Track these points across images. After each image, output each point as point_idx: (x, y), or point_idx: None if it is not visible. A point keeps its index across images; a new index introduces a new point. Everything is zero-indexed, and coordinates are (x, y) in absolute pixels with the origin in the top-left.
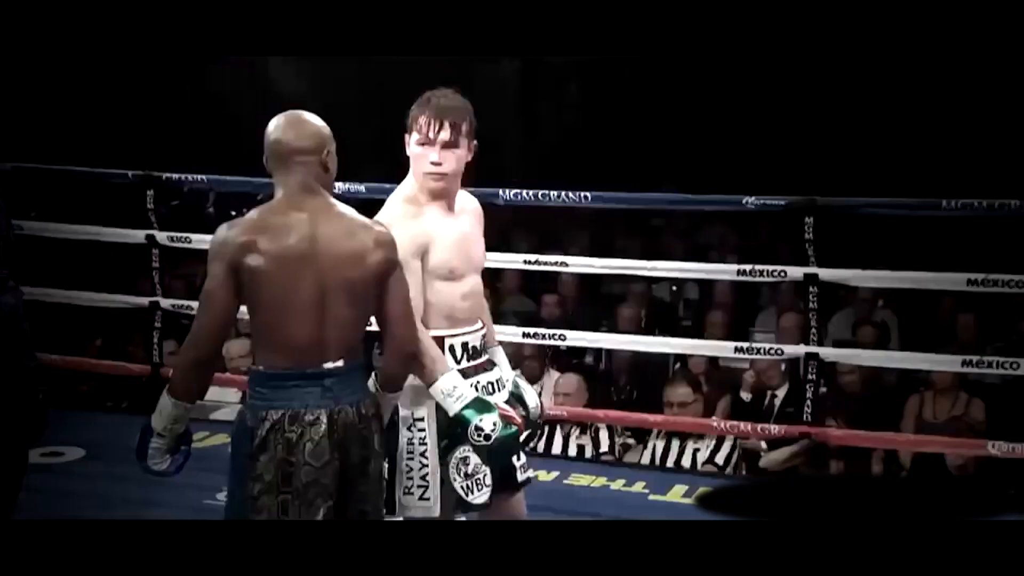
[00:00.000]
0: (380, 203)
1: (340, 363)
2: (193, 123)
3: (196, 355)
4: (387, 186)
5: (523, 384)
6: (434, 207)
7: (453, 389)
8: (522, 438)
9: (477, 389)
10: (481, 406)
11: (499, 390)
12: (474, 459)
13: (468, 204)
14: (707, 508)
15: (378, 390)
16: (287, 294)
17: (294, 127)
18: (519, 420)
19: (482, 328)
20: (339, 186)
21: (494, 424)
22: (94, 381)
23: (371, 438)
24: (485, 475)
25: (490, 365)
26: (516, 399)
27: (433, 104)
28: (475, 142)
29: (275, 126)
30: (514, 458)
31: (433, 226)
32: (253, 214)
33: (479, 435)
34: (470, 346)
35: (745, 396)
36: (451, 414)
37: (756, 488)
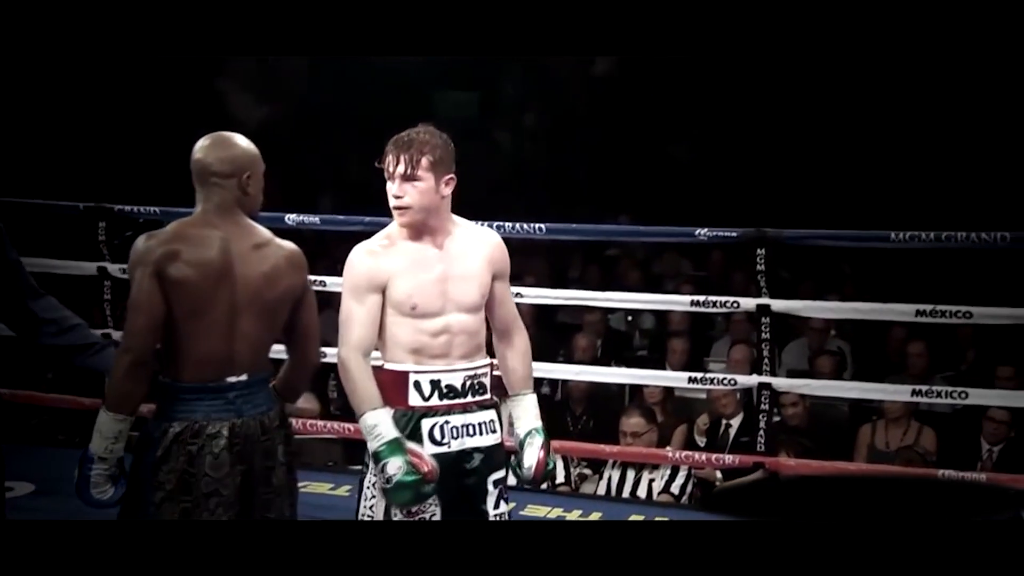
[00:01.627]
0: (335, 234)
1: (244, 377)
2: (148, 155)
3: (131, 358)
4: (340, 217)
5: (536, 440)
6: (410, 243)
7: (373, 427)
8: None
9: (443, 429)
10: (394, 447)
11: (482, 433)
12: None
13: (472, 241)
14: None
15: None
16: (202, 308)
17: (215, 149)
18: (428, 470)
19: (474, 369)
20: (292, 217)
21: (397, 468)
22: (45, 415)
23: (275, 449)
24: (432, 516)
25: (476, 407)
26: (520, 447)
27: (394, 140)
28: (451, 176)
29: (199, 146)
30: (490, 506)
31: (398, 262)
32: (171, 227)
33: (383, 476)
34: (443, 384)
35: (700, 440)
36: (370, 451)
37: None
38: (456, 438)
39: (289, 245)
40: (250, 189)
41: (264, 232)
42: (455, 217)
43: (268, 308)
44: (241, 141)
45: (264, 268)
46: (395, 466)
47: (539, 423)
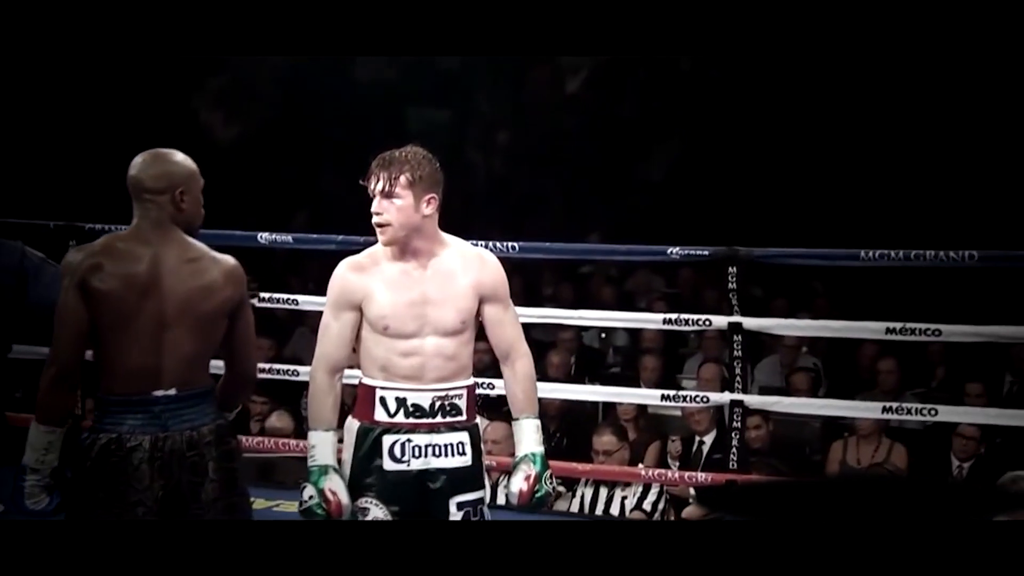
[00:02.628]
0: (308, 253)
1: (173, 391)
2: (119, 173)
3: (56, 370)
4: (313, 236)
5: (526, 467)
6: (393, 262)
7: (313, 447)
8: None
9: (404, 447)
10: (319, 475)
11: (449, 455)
12: (374, 511)
13: (460, 263)
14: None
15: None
16: (126, 321)
17: (148, 166)
18: (334, 508)
19: (446, 390)
20: (265, 236)
21: (310, 496)
22: (12, 434)
23: (204, 465)
24: None
25: (444, 428)
26: (512, 471)
27: (378, 158)
28: (432, 196)
29: (134, 163)
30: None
31: (376, 281)
32: (101, 240)
33: (300, 494)
34: (409, 403)
35: (672, 464)
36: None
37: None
38: (417, 457)
39: (227, 259)
40: (184, 205)
41: (199, 247)
42: (448, 238)
43: (201, 322)
44: (176, 157)
45: (197, 282)
46: (308, 493)
47: (537, 448)
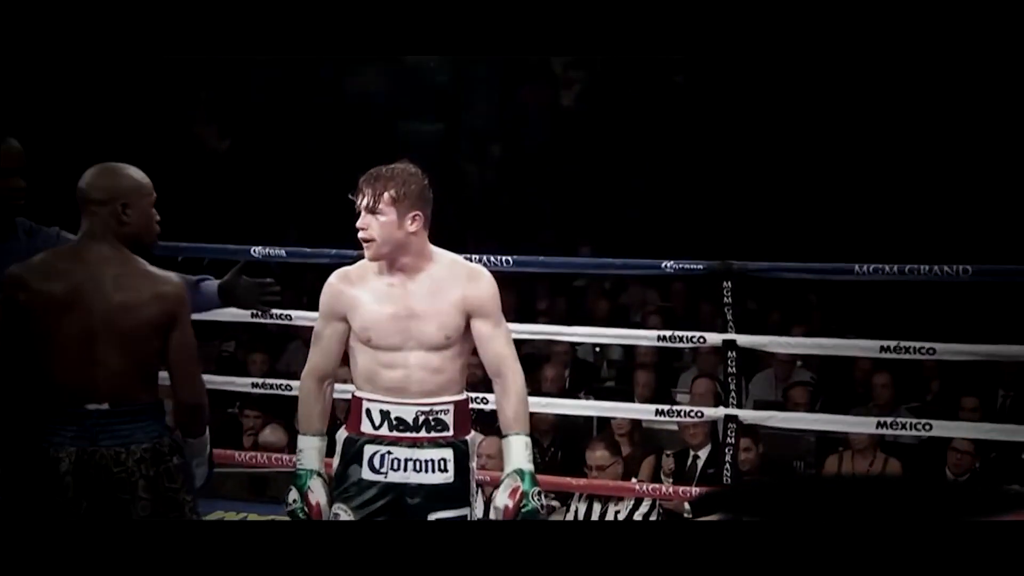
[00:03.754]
0: (302, 267)
1: (106, 406)
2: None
3: None
4: (307, 250)
5: (512, 483)
6: (379, 276)
7: (300, 451)
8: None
9: (384, 459)
10: (304, 478)
11: (429, 470)
12: (345, 519)
13: (447, 279)
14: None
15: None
16: (50, 334)
17: (94, 177)
18: (314, 513)
19: (430, 405)
20: (258, 249)
21: (293, 499)
22: None
23: (134, 482)
24: None
25: (427, 443)
26: (500, 484)
27: (366, 174)
28: (417, 213)
29: (84, 175)
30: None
31: (362, 294)
32: (40, 255)
33: (285, 495)
34: (393, 416)
35: (666, 481)
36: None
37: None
38: (396, 470)
39: (165, 278)
40: (127, 219)
41: (137, 263)
42: (440, 253)
43: (127, 338)
44: (124, 171)
45: (120, 297)
46: (292, 496)
47: (525, 466)
